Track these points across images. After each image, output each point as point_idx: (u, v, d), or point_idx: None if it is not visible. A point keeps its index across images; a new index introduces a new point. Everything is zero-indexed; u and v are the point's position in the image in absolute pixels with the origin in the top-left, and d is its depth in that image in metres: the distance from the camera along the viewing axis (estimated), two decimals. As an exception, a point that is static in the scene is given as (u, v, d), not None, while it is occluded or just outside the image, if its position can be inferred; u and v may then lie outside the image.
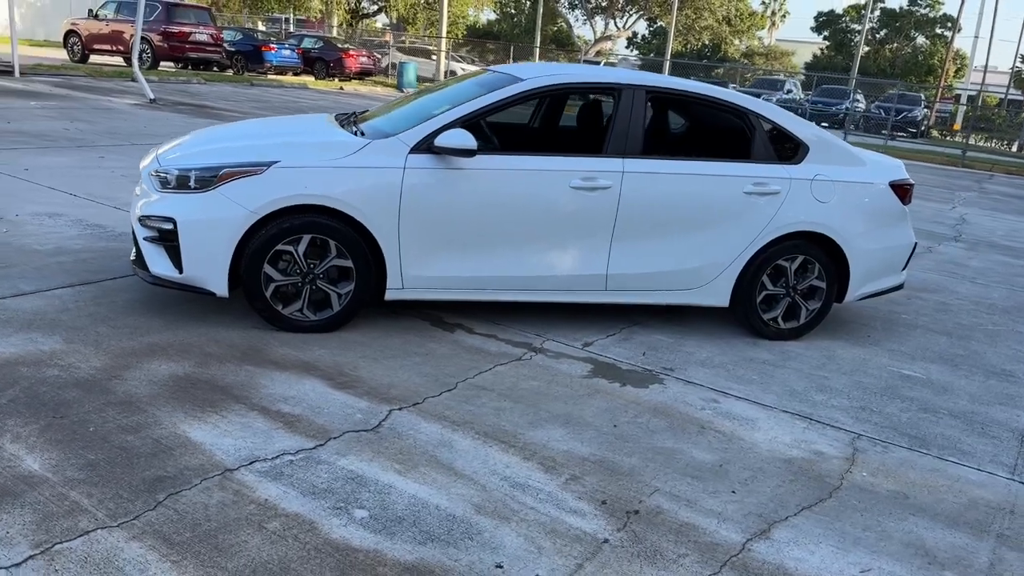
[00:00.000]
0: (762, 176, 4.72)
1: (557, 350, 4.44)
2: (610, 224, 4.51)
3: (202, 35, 22.29)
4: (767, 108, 4.91)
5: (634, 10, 43.95)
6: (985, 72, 43.94)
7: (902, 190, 5.09)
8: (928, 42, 52.94)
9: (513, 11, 53.04)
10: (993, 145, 33.35)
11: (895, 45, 53.93)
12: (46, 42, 28.54)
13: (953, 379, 4.69)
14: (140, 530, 2.52)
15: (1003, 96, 47.58)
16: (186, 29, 21.83)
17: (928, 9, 52.56)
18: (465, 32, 48.17)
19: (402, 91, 25.54)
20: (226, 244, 4.03)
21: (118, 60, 22.15)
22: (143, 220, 4.17)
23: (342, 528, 2.64)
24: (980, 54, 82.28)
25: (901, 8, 53.13)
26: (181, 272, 4.08)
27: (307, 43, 29.33)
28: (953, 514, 3.18)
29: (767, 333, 4.95)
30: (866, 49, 51.80)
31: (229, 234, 4.02)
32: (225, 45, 24.35)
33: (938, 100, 38.12)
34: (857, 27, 50.25)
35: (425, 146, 4.23)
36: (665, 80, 4.87)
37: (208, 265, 4.06)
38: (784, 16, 66.04)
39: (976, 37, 48.98)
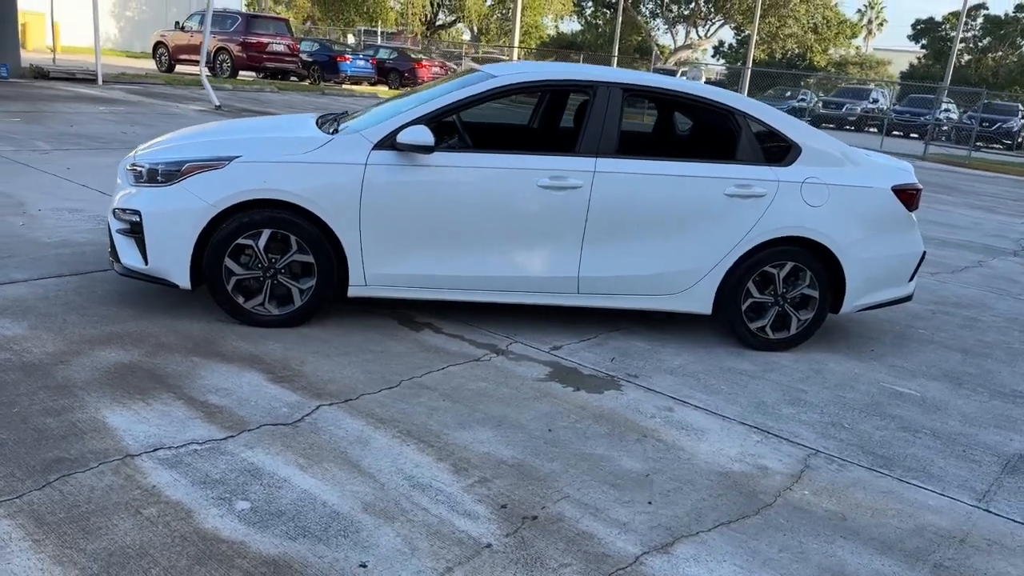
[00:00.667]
0: (746, 178, 4.50)
1: (521, 352, 4.33)
2: (581, 225, 4.37)
3: (279, 45, 23.06)
4: (757, 108, 4.68)
5: (717, 19, 43.21)
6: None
7: (907, 195, 4.76)
8: (1035, 51, 50.18)
9: (600, 22, 52.89)
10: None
11: (999, 54, 51.25)
12: (142, 53, 30.03)
13: (951, 398, 4.34)
14: (18, 508, 2.56)
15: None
16: (264, 40, 22.64)
17: (1035, 16, 49.82)
18: (545, 41, 48.30)
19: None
20: (187, 237, 4.09)
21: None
22: (116, 212, 4.29)
23: (217, 519, 2.62)
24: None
25: (1007, 15, 50.53)
26: (147, 264, 4.18)
27: (382, 54, 29.96)
28: (890, 540, 2.92)
29: (754, 343, 4.71)
30: (967, 58, 49.43)
31: (190, 227, 4.08)
32: (302, 55, 25.12)
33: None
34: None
35: (389, 143, 4.20)
36: (644, 78, 4.70)
37: (171, 257, 4.14)
38: (881, 24, 63.81)
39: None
